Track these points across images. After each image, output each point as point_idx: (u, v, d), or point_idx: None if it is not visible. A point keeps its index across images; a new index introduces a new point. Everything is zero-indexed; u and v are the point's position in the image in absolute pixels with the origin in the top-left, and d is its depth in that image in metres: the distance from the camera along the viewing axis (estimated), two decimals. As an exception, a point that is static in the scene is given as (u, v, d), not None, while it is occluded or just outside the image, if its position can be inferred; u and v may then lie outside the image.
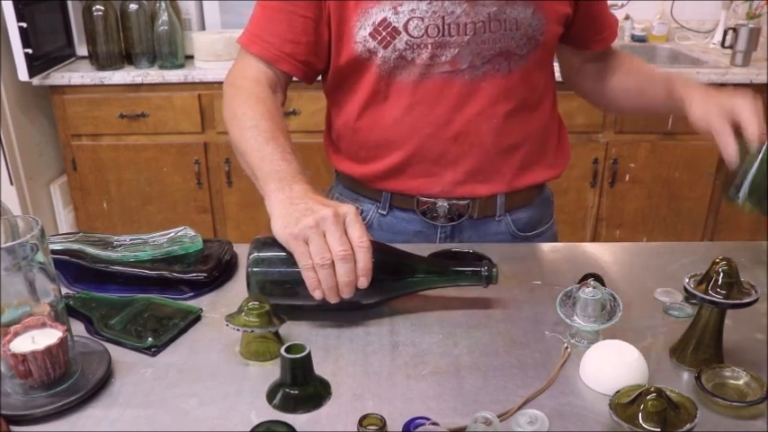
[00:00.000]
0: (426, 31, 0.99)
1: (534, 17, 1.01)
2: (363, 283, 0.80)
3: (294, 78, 1.09)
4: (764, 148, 0.91)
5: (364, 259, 0.79)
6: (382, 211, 1.14)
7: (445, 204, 1.10)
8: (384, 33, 0.99)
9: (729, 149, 0.93)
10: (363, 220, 1.14)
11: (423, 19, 0.98)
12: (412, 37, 0.99)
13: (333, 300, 0.80)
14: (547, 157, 1.15)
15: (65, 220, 2.67)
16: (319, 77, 1.13)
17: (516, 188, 1.12)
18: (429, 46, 0.99)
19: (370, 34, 0.99)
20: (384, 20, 0.98)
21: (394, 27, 0.99)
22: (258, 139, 0.94)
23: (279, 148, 0.93)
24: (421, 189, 1.10)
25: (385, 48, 1.00)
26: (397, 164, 1.08)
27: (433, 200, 1.10)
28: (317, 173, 2.12)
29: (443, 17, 0.98)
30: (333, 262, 0.78)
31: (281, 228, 0.81)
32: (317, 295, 0.80)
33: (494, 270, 0.86)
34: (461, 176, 1.08)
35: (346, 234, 0.80)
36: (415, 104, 1.04)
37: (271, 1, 1.03)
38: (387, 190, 1.12)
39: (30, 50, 2.27)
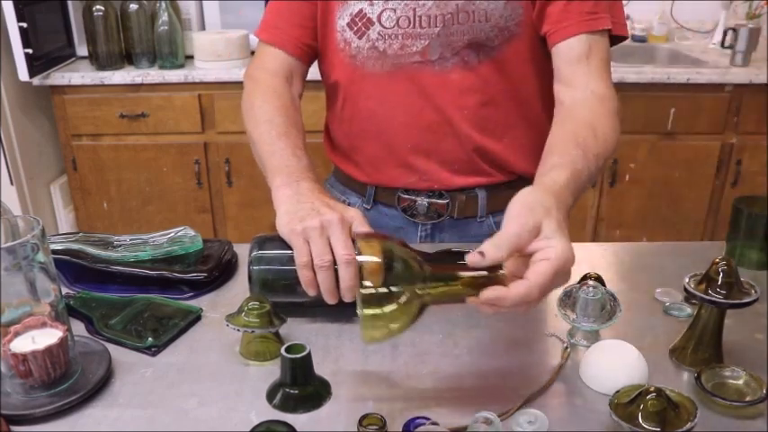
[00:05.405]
0: (398, 22, 1.01)
1: (507, 8, 1.00)
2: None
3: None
4: None
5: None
6: (366, 206, 1.16)
7: (425, 203, 1.12)
8: (360, 24, 1.03)
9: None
10: None
11: (395, 10, 1.01)
12: (384, 27, 1.02)
13: (330, 301, 0.80)
14: (533, 155, 1.14)
15: (65, 220, 2.67)
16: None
17: (495, 182, 1.11)
18: (399, 36, 1.02)
19: (348, 24, 1.04)
20: (360, 11, 1.02)
21: (368, 18, 1.02)
22: (271, 133, 0.97)
23: (290, 143, 0.95)
24: (400, 179, 1.11)
25: (359, 38, 1.04)
26: (376, 154, 1.10)
27: (413, 198, 1.12)
28: (318, 172, 2.12)
29: (414, 9, 1.00)
30: (331, 265, 0.78)
31: (284, 224, 0.82)
32: (311, 293, 0.80)
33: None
34: (437, 165, 1.09)
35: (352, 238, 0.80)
36: (389, 94, 1.06)
37: None
38: (370, 183, 1.14)
39: (30, 50, 2.26)
